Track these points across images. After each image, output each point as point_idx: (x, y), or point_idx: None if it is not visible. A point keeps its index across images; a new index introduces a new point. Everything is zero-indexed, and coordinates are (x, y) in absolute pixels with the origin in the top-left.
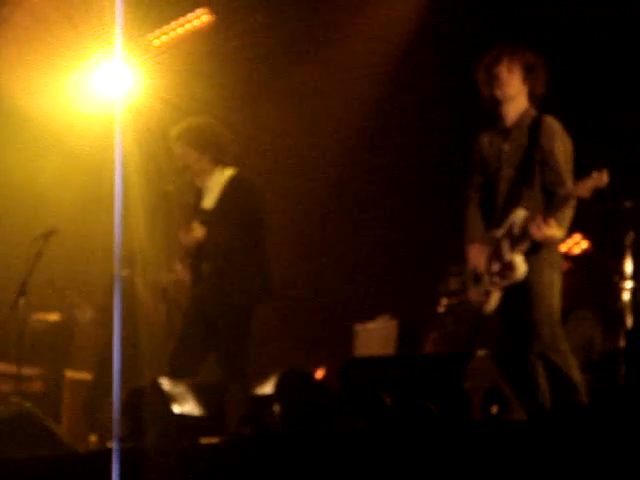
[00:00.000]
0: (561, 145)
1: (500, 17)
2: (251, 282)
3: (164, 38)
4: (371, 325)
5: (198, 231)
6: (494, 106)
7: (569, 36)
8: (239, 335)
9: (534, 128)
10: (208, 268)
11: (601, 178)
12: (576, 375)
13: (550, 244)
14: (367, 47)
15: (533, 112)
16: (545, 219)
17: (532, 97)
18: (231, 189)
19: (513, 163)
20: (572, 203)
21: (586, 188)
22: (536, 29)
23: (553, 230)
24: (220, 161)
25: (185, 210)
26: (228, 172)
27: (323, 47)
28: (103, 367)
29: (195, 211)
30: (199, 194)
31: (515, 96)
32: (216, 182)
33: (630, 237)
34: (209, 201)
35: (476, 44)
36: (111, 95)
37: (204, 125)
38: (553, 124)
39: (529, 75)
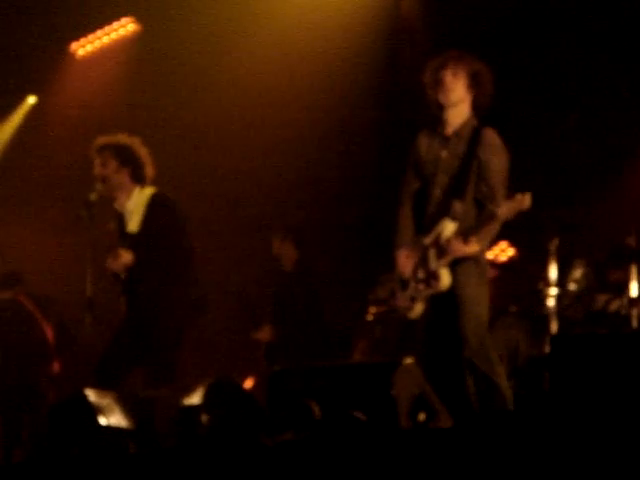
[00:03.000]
0: (499, 159)
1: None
2: (184, 301)
3: (89, 47)
4: None
5: (126, 256)
6: (438, 111)
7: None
8: (170, 351)
9: (473, 138)
10: (143, 290)
11: (524, 201)
12: (503, 383)
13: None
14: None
15: (474, 122)
16: (466, 238)
17: (475, 106)
18: (153, 210)
19: (449, 171)
20: (496, 222)
21: (509, 211)
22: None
23: (472, 248)
24: (139, 179)
25: (110, 235)
26: (147, 191)
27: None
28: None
29: (120, 236)
30: (121, 218)
31: (457, 103)
32: (137, 204)
33: (554, 244)
34: (133, 224)
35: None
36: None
37: (128, 141)
38: (493, 137)
39: (474, 83)
